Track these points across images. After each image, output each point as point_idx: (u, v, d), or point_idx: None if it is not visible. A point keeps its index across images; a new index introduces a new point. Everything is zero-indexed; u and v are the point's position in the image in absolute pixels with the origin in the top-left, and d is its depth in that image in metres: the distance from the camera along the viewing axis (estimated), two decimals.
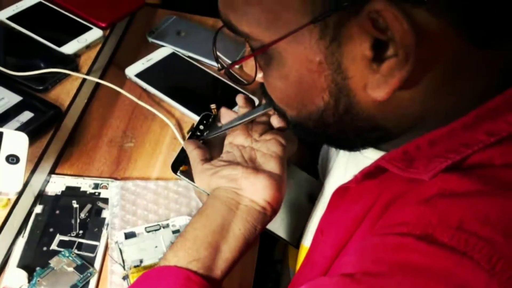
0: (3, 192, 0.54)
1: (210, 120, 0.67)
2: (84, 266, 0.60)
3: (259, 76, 0.45)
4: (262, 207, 0.53)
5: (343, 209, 0.48)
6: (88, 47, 0.82)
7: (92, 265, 0.60)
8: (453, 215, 0.34)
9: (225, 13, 0.40)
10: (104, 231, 0.64)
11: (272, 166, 0.55)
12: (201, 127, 0.66)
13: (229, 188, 0.54)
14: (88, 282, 0.58)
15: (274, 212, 0.54)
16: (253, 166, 0.56)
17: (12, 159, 0.55)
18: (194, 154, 0.60)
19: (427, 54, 0.34)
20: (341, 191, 0.49)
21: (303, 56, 0.37)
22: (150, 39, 0.94)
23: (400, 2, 0.32)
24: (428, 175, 0.38)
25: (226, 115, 0.63)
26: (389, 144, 0.44)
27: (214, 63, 0.90)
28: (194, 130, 0.66)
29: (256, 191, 0.53)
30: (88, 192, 0.69)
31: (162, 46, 0.92)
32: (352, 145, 0.46)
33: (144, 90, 0.85)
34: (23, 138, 0.57)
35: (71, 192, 0.69)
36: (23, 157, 0.56)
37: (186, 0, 1.10)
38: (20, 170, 0.55)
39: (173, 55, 0.91)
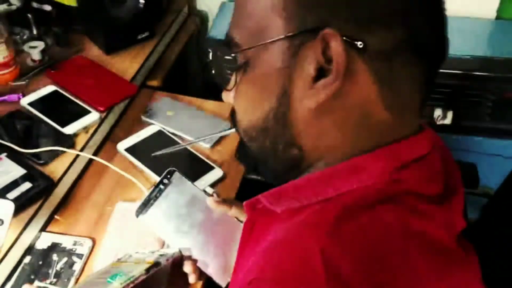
0: None
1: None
2: None
3: (231, 96, 0.55)
4: None
5: (249, 245, 0.57)
6: (86, 128, 1.02)
7: None
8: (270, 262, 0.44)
9: (229, 28, 0.52)
10: (72, 280, 0.81)
11: None
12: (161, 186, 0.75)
13: None
14: None
15: None
16: None
17: None
18: None
19: (349, 86, 0.44)
20: (248, 226, 0.58)
21: (270, 62, 0.47)
22: (143, 118, 1.13)
23: (344, 38, 0.43)
24: (280, 209, 0.50)
25: None
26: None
27: (194, 139, 1.07)
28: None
29: None
30: (67, 248, 0.86)
31: (152, 124, 1.11)
32: (276, 169, 0.53)
33: (130, 162, 1.03)
34: (10, 205, 0.76)
35: (55, 247, 0.86)
36: (7, 220, 0.74)
37: (181, 83, 1.29)
38: (3, 231, 0.73)
39: (159, 132, 1.09)
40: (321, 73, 0.45)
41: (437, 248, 0.48)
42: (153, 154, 0.79)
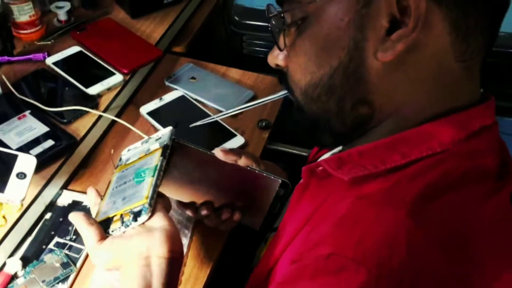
0: (10, 200, 0.72)
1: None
2: (68, 264, 0.77)
3: (281, 58, 0.53)
4: (171, 258, 0.56)
5: (298, 207, 0.57)
6: (109, 89, 1.01)
7: (75, 264, 0.77)
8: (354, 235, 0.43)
9: None
10: None
11: (160, 222, 0.58)
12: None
13: (136, 258, 0.55)
14: (68, 277, 0.75)
15: (182, 256, 0.58)
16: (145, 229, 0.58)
17: (21, 175, 0.74)
18: (89, 233, 0.58)
19: (425, 37, 0.44)
20: (300, 189, 0.58)
21: (337, 14, 0.45)
22: (167, 83, 1.12)
23: None
24: (347, 177, 0.48)
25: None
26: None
27: (216, 106, 1.06)
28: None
29: (158, 246, 0.55)
30: (87, 206, 0.87)
31: (176, 89, 1.10)
32: (338, 131, 0.52)
33: (152, 126, 1.02)
34: (33, 160, 0.76)
35: (75, 205, 0.87)
36: (29, 174, 0.74)
37: (206, 50, 1.28)
38: (25, 184, 0.73)
39: (182, 98, 1.08)
40: (394, 25, 0.44)
41: (510, 229, 0.47)
42: (191, 125, 0.78)
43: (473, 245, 0.43)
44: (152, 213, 0.58)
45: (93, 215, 0.63)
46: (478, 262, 0.43)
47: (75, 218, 0.60)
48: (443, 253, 0.42)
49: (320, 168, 0.53)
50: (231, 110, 0.79)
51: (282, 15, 0.49)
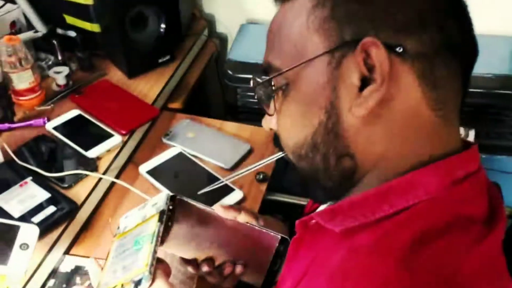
0: (14, 272, 0.73)
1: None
2: None
3: (273, 122, 0.57)
4: None
5: (295, 261, 0.58)
6: (109, 151, 1.04)
7: None
8: None
9: (265, 57, 0.54)
10: None
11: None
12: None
13: None
14: None
15: None
16: None
17: (24, 246, 0.75)
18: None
19: (394, 91, 0.46)
20: (296, 243, 0.59)
21: (313, 79, 0.49)
22: (164, 140, 1.14)
23: (383, 44, 0.45)
24: (338, 229, 0.50)
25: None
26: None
27: (214, 161, 1.08)
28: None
29: None
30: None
31: (174, 146, 1.12)
32: (327, 186, 0.54)
33: (152, 184, 1.04)
34: (35, 230, 0.77)
35: (78, 270, 0.87)
36: (32, 245, 0.75)
37: (202, 105, 1.31)
38: (28, 255, 0.74)
39: (180, 154, 1.10)
40: (364, 82, 0.47)
41: (497, 274, 0.48)
42: (199, 193, 0.79)
43: None
44: (153, 280, 0.60)
45: (95, 287, 0.64)
46: None
47: None
48: None
49: (313, 221, 0.55)
50: (238, 173, 0.80)
51: (270, 82, 0.53)
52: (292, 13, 0.51)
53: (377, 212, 0.48)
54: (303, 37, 0.49)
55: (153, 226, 0.65)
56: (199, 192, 0.80)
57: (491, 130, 1.25)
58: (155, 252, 0.62)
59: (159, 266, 0.62)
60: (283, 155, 0.62)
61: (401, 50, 0.45)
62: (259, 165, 0.75)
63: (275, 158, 0.70)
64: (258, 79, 0.55)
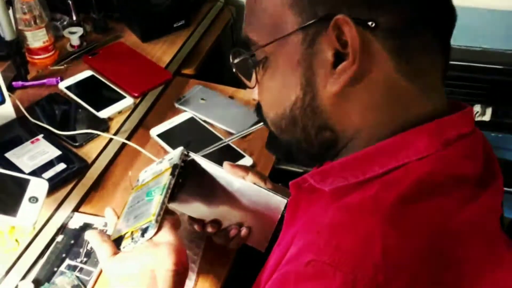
0: (23, 224, 0.74)
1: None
2: (79, 286, 0.78)
3: (255, 93, 0.57)
4: (174, 271, 0.59)
5: (292, 222, 0.59)
6: (120, 112, 1.04)
7: (86, 286, 0.78)
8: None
9: (244, 29, 0.55)
10: None
11: (167, 237, 0.62)
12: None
13: (144, 271, 0.60)
14: None
15: (186, 269, 0.62)
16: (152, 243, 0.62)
17: (33, 199, 0.76)
18: (103, 249, 0.63)
19: (367, 66, 0.47)
20: (292, 204, 0.60)
21: (289, 55, 0.49)
22: (177, 105, 1.14)
23: (355, 21, 0.45)
24: (328, 188, 0.51)
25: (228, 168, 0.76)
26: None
27: (225, 127, 1.08)
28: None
29: (163, 259, 0.60)
30: (98, 229, 0.88)
31: (185, 111, 1.12)
32: (311, 153, 0.55)
33: (162, 148, 1.04)
34: (45, 184, 0.78)
35: (86, 227, 0.88)
36: (41, 198, 0.76)
37: (215, 72, 1.30)
38: (37, 208, 0.75)
39: (191, 119, 1.10)
40: (339, 58, 0.47)
41: (487, 236, 0.48)
42: (202, 152, 0.79)
43: (450, 251, 0.45)
44: (159, 229, 0.62)
45: (110, 233, 0.66)
46: (456, 268, 0.44)
47: (90, 236, 0.65)
48: (420, 257, 0.43)
49: (307, 183, 0.55)
50: (239, 133, 0.82)
51: (251, 55, 0.53)
52: None
53: (368, 172, 0.49)
54: (279, 12, 0.49)
55: (165, 179, 0.67)
56: (203, 152, 0.80)
57: (509, 108, 1.22)
58: (163, 203, 0.63)
59: (167, 217, 0.64)
60: (260, 125, 0.65)
61: (374, 25, 0.46)
62: (249, 130, 0.76)
63: (252, 130, 0.74)
64: (239, 51, 0.55)
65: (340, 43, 0.46)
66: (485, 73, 1.16)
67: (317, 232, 0.46)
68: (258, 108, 0.59)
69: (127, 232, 0.63)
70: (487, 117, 1.23)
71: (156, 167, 0.72)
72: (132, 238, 0.62)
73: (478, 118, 1.24)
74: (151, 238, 0.62)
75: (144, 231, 0.61)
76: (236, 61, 0.56)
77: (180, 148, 0.72)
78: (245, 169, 0.78)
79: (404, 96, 0.49)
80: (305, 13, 0.48)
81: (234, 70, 0.57)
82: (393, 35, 0.46)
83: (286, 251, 0.54)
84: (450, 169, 0.47)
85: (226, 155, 1.02)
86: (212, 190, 0.75)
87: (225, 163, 0.76)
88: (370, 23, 0.46)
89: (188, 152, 0.72)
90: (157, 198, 0.64)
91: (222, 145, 0.85)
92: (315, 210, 0.54)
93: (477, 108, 1.25)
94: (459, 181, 0.48)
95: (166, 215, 0.64)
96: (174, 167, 0.68)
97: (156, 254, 0.60)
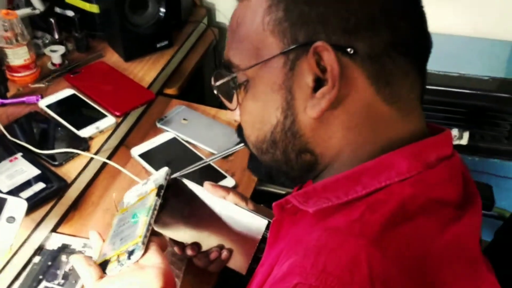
0: None
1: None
2: None
3: (237, 114, 0.58)
4: None
5: (275, 244, 0.59)
6: (102, 131, 1.03)
7: None
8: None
9: (226, 52, 0.55)
10: (80, 283, 0.81)
11: (153, 260, 0.61)
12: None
13: None
14: None
15: None
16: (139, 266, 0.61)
17: (11, 219, 0.74)
18: (88, 273, 0.61)
19: (347, 91, 0.48)
20: (275, 225, 0.60)
21: (270, 79, 0.50)
22: (158, 125, 1.13)
23: (334, 47, 0.46)
24: (312, 209, 0.51)
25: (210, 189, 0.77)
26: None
27: (207, 147, 1.07)
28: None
29: (150, 282, 0.59)
30: (76, 250, 0.86)
31: (167, 131, 1.11)
32: (292, 175, 0.56)
33: (144, 168, 1.03)
34: (23, 204, 0.76)
35: (64, 248, 0.86)
36: (19, 218, 0.74)
37: (198, 92, 1.30)
38: (14, 229, 0.73)
39: (173, 140, 1.09)
40: (319, 83, 0.48)
41: (469, 257, 0.49)
42: (177, 175, 0.78)
43: (434, 273, 0.45)
44: (146, 251, 0.61)
45: (95, 258, 0.65)
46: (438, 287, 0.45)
47: (75, 260, 0.63)
48: (405, 279, 0.43)
49: (290, 204, 0.55)
50: (220, 154, 0.81)
51: (232, 78, 0.54)
52: (249, 11, 0.51)
53: (350, 193, 0.49)
54: (260, 36, 0.50)
55: (151, 200, 0.66)
56: (183, 171, 0.79)
57: (486, 133, 1.25)
58: (149, 224, 0.63)
59: (154, 238, 0.63)
60: (241, 147, 0.65)
61: (352, 51, 0.47)
62: (231, 150, 0.76)
63: (234, 150, 0.73)
64: (221, 74, 0.56)
65: (319, 69, 0.47)
66: (463, 98, 1.19)
67: (303, 254, 0.46)
68: (240, 129, 0.59)
69: (113, 256, 0.62)
70: (464, 141, 1.26)
71: (142, 188, 0.71)
72: (119, 261, 0.60)
73: (455, 142, 1.27)
74: (137, 260, 0.60)
75: (130, 253, 0.60)
76: (217, 83, 0.56)
77: (165, 169, 0.71)
78: (226, 189, 0.78)
79: (384, 119, 0.50)
80: (286, 38, 0.48)
81: (215, 92, 0.58)
82: (372, 61, 0.47)
83: (271, 271, 0.54)
84: (432, 192, 0.48)
85: (208, 175, 1.01)
86: (192, 211, 0.74)
87: (206, 183, 0.76)
88: (349, 49, 0.47)
89: (171, 174, 0.72)
90: (143, 220, 0.63)
91: (203, 164, 0.85)
92: (299, 231, 0.54)
93: (454, 132, 1.27)
94: (441, 204, 0.48)
95: (152, 236, 0.63)
96: (160, 187, 0.67)
97: (143, 277, 0.59)
